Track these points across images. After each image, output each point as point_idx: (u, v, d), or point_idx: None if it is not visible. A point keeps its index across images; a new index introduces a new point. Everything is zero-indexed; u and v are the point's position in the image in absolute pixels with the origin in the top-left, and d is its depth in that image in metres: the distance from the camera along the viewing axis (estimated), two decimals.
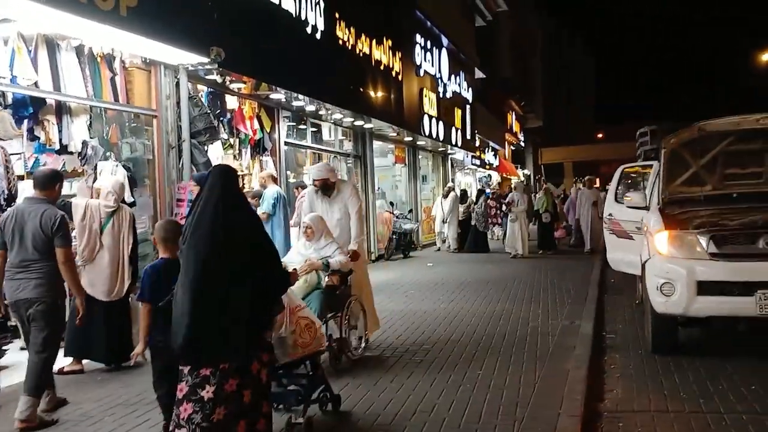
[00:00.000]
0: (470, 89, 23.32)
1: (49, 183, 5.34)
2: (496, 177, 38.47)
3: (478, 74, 25.62)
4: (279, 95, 11.27)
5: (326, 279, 6.20)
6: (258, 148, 11.39)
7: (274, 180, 10.74)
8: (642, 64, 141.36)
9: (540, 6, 53.02)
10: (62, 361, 6.27)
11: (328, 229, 6.63)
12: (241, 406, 3.65)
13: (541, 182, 41.15)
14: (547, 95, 57.79)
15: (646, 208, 7.43)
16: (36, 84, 7.26)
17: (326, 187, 7.12)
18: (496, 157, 37.59)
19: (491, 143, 34.94)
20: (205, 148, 9.36)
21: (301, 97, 11.54)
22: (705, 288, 6.05)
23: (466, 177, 34.89)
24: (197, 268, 3.68)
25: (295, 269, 5.50)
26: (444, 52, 19.79)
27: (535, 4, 49.74)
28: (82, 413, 5.28)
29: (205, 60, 8.69)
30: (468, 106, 23.26)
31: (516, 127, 45.02)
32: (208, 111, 9.35)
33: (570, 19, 68.45)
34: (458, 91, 21.64)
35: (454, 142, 21.26)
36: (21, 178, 8.36)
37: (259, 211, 9.70)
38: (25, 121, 7.41)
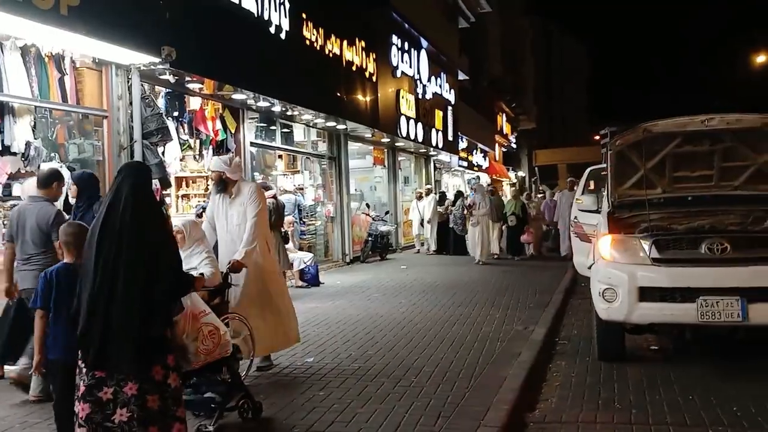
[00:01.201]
0: (452, 91, 23.18)
1: (48, 181, 5.86)
2: (485, 179, 38.38)
3: (462, 76, 25.37)
4: (242, 96, 11.13)
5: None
6: (221, 149, 11.24)
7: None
8: (638, 62, 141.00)
9: (531, 6, 53.00)
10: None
11: (204, 236, 5.86)
12: (148, 411, 3.51)
13: (537, 184, 41.06)
14: (540, 97, 57.74)
15: (597, 211, 7.29)
16: None
17: (222, 184, 6.17)
18: (485, 159, 37.45)
19: (480, 145, 34.82)
20: (158, 148, 9.20)
21: (263, 97, 11.37)
22: (647, 294, 5.90)
23: (454, 179, 34.84)
24: (94, 271, 3.55)
25: (201, 274, 4.80)
26: (423, 53, 19.65)
27: (525, 5, 49.65)
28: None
29: (157, 60, 8.57)
30: (450, 108, 23.10)
31: (507, 129, 44.92)
32: (161, 111, 9.21)
33: (563, 19, 67.96)
34: (439, 92, 21.50)
35: (434, 144, 21.11)
36: None
37: None
38: None
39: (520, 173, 51.71)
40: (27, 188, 6.83)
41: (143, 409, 3.50)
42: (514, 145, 49.19)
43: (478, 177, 36.77)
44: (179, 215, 11.07)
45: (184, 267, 4.97)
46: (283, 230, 11.01)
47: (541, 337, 7.52)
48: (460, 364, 6.39)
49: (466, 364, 6.41)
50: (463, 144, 30.08)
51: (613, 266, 6.13)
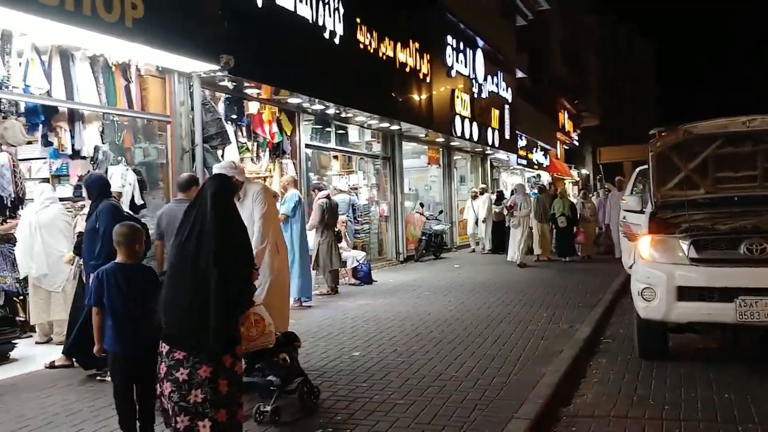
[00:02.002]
0: (509, 89, 23.16)
1: (188, 185, 6.55)
2: (546, 177, 38.08)
3: (521, 74, 25.32)
4: (297, 99, 11.52)
5: None
6: (277, 151, 11.67)
7: (295, 183, 11.03)
8: (709, 55, 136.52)
9: (595, 3, 52.18)
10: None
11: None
12: (218, 394, 3.83)
13: (602, 182, 40.55)
14: (604, 93, 56.78)
15: (642, 212, 7.36)
16: (48, 93, 7.66)
17: None
18: (546, 157, 37.16)
19: (540, 143, 34.59)
20: (218, 151, 9.65)
21: (317, 101, 11.74)
22: (685, 293, 5.98)
23: (513, 177, 34.70)
24: (180, 268, 3.91)
25: (256, 269, 4.68)
26: (479, 52, 19.75)
27: (589, 1, 48.94)
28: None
29: (216, 67, 9.02)
30: (507, 106, 23.10)
31: (569, 126, 44.42)
32: (220, 116, 9.66)
33: (629, 13, 66.31)
34: (496, 91, 21.55)
35: (490, 143, 21.17)
36: (46, 180, 8.93)
37: (280, 213, 9.99)
38: (40, 128, 7.84)
39: (584, 171, 50.92)
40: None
41: (215, 392, 3.82)
42: (576, 143, 48.60)
43: (539, 175, 36.56)
44: None
45: None
46: (336, 229, 11.36)
47: (585, 336, 7.64)
48: (501, 361, 6.58)
49: (507, 360, 6.60)
50: (522, 142, 29.99)
51: (652, 266, 6.23)
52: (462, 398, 5.41)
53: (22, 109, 7.54)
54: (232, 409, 3.91)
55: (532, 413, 4.97)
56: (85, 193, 6.36)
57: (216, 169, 6.32)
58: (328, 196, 11.30)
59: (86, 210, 6.56)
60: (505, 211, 16.22)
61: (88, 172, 8.34)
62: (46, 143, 7.92)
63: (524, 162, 31.50)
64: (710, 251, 6.00)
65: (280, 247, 6.58)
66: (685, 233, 6.14)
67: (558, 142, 41.61)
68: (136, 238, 4.49)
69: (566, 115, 42.96)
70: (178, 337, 3.84)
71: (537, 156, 34.47)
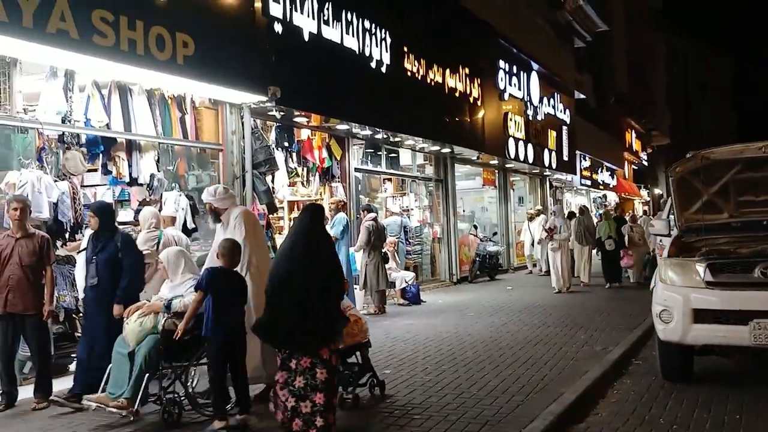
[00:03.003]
0: (567, 111, 23.16)
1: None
2: (613, 197, 37.57)
3: (579, 95, 25.30)
4: (346, 126, 11.99)
5: (162, 322, 5.56)
6: (327, 176, 12.16)
7: (344, 207, 11.51)
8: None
9: (663, 17, 51.35)
10: None
11: (190, 263, 6.05)
12: (317, 381, 4.83)
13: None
14: (675, 110, 55.61)
15: (669, 236, 7.46)
16: (108, 125, 8.33)
17: (213, 214, 6.33)
18: (613, 177, 36.68)
19: (606, 163, 34.23)
20: (266, 177, 10.19)
21: (366, 126, 12.19)
22: (701, 316, 6.10)
23: (577, 198, 34.41)
24: (288, 279, 4.94)
25: (346, 280, 5.56)
26: (534, 75, 19.90)
27: (655, 17, 48.23)
28: None
29: (264, 98, 9.56)
30: (565, 128, 23.10)
31: (636, 146, 43.80)
32: (268, 144, 10.20)
33: (700, 26, 64.60)
34: (552, 113, 21.61)
35: (547, 164, 21.22)
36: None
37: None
38: (100, 157, 8.52)
39: (657, 191, 49.87)
40: (144, 216, 7.91)
41: (314, 378, 4.82)
42: (645, 162, 47.75)
43: (605, 195, 36.16)
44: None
45: (173, 294, 5.69)
46: (383, 251, 11.74)
47: (615, 357, 7.76)
48: (524, 381, 6.78)
49: (531, 380, 6.79)
50: (585, 162, 29.82)
51: (669, 288, 6.36)
52: (476, 414, 5.66)
53: (83, 140, 8.21)
54: (328, 394, 4.87)
55: (538, 429, 5.19)
56: (93, 222, 6.32)
57: (203, 194, 6.53)
58: (375, 219, 11.71)
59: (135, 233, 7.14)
60: (544, 235, 15.77)
61: (145, 198, 9.06)
62: (106, 171, 8.58)
63: (588, 182, 31.22)
64: (725, 275, 6.10)
65: (265, 273, 5.85)
66: (702, 257, 6.25)
67: (626, 161, 41.05)
68: (236, 251, 5.57)
69: (633, 135, 42.34)
70: (283, 336, 4.93)
71: (602, 176, 34.07)
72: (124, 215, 9.32)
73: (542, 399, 6.06)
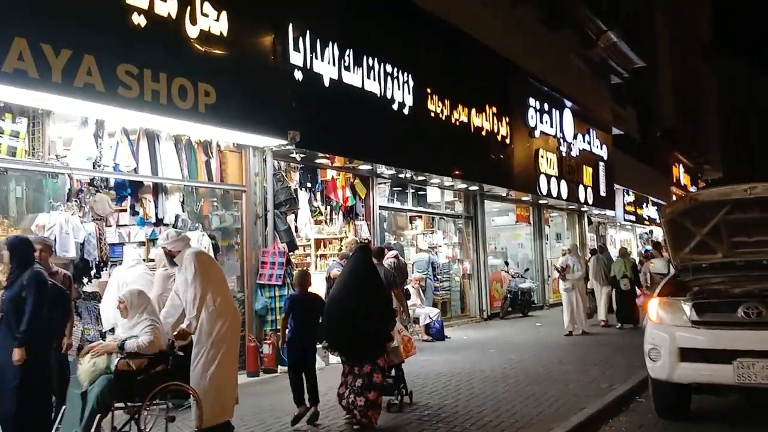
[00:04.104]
0: (604, 146, 23.18)
1: (381, 254, 9.87)
2: (660, 233, 37.02)
3: (617, 131, 25.30)
4: (368, 166, 12.40)
5: (116, 363, 5.66)
6: (351, 214, 12.56)
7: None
8: None
9: (713, 46, 50.69)
10: None
11: (150, 305, 6.15)
12: (372, 382, 6.50)
13: None
14: (728, 142, 54.61)
15: (668, 275, 7.57)
16: (135, 169, 8.90)
17: (168, 257, 6.45)
18: (659, 212, 36.17)
19: (651, 198, 33.86)
20: (287, 216, 10.64)
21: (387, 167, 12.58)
22: (687, 354, 6.21)
23: (621, 233, 34.04)
24: (345, 306, 6.61)
25: (394, 309, 7.91)
26: (567, 112, 20.06)
27: (704, 48, 47.68)
28: None
29: (284, 142, 10.03)
30: (602, 163, 23.10)
31: (685, 180, 43.16)
32: (289, 185, 10.66)
33: (755, 55, 63.21)
34: (588, 149, 21.68)
35: (582, 200, 21.23)
36: (142, 244, 10.16)
37: None
38: (128, 199, 9.09)
39: None
40: (158, 258, 8.32)
41: (370, 380, 6.48)
42: None
43: (651, 231, 35.65)
44: (317, 272, 12.54)
45: (128, 335, 5.83)
46: (405, 287, 12.02)
47: (618, 395, 7.84)
48: (519, 416, 6.94)
49: (527, 416, 6.95)
50: (628, 197, 29.62)
51: (658, 327, 6.49)
52: None
53: (111, 183, 8.80)
54: (378, 393, 6.57)
55: None
56: (6, 257, 5.99)
57: (160, 240, 6.70)
58: (396, 257, 12.00)
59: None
60: (556, 274, 14.99)
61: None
62: (133, 213, 9.15)
63: (632, 218, 30.94)
64: (710, 314, 6.22)
65: (227, 312, 6.29)
66: (690, 296, 6.37)
67: (674, 196, 40.47)
68: (305, 279, 7.39)
69: (681, 169, 41.76)
70: (349, 348, 6.67)
71: (648, 211, 33.66)
72: (154, 253, 9.86)
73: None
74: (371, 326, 6.49)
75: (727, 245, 7.05)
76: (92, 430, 5.50)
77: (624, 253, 16.07)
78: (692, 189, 45.38)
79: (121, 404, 5.69)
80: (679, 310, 6.39)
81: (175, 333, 6.10)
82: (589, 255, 17.49)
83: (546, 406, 7.40)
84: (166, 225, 9.36)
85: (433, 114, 13.51)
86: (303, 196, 11.33)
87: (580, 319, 13.74)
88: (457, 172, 14.50)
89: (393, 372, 7.48)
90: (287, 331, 7.13)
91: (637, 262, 16.18)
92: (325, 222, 12.32)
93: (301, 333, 6.99)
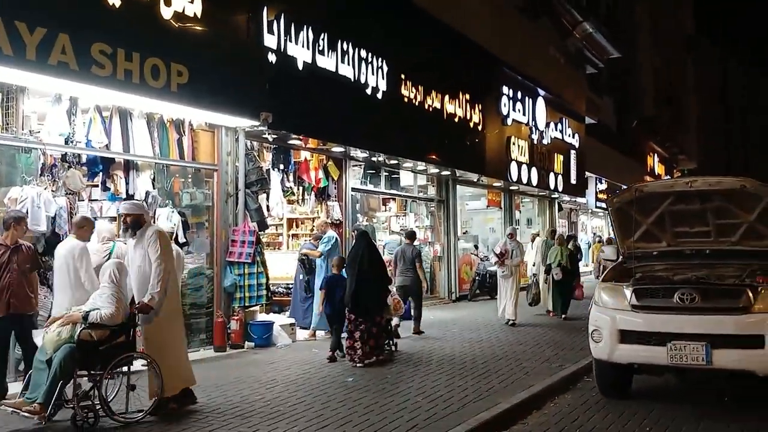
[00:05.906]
0: (576, 135, 23.56)
1: (413, 236, 12.32)
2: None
3: (590, 120, 25.71)
4: (341, 148, 12.66)
5: (78, 332, 5.94)
6: (323, 195, 12.83)
7: (331, 226, 12.14)
8: None
9: (696, 39, 51.25)
10: None
11: (114, 277, 6.39)
12: (370, 334, 9.03)
13: None
14: (706, 133, 55.29)
15: (616, 261, 7.95)
16: (107, 146, 9.09)
17: (127, 225, 6.73)
18: (607, 202, 36.70)
19: (625, 186, 34.35)
20: (258, 196, 10.89)
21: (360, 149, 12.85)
22: (626, 336, 6.60)
23: (593, 220, 34.64)
24: (357, 275, 9.06)
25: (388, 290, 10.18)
26: (540, 101, 20.38)
27: (687, 40, 48.23)
28: None
29: (256, 123, 10.25)
30: (573, 152, 23.50)
31: (659, 170, 43.76)
32: (261, 165, 10.90)
33: (737, 50, 63.76)
34: (559, 137, 22.04)
35: (552, 188, 21.64)
36: (114, 219, 10.36)
37: (318, 250, 11.25)
38: (100, 175, 9.30)
39: None
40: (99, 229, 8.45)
41: (369, 332, 9.02)
42: None
43: None
44: (290, 252, 12.82)
45: (92, 306, 6.14)
46: None
47: (567, 374, 8.24)
48: (470, 391, 7.30)
49: (477, 390, 7.32)
50: (601, 185, 30.15)
51: (600, 310, 6.87)
52: (409, 418, 6.22)
53: (83, 159, 9.01)
54: (377, 342, 9.12)
55: None
56: None
57: (122, 207, 6.94)
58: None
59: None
60: (494, 259, 13.99)
61: None
62: (104, 188, 9.36)
63: (604, 205, 31.45)
64: (649, 299, 6.60)
65: (172, 292, 6.68)
66: (628, 282, 6.75)
67: None
68: (341, 263, 9.82)
69: (656, 159, 42.37)
70: (360, 308, 9.05)
71: None
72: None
73: (477, 407, 6.59)
74: (374, 291, 9.21)
75: (670, 234, 7.43)
76: (55, 395, 5.79)
77: (562, 240, 14.51)
78: (666, 178, 46.12)
79: (84, 372, 6.01)
80: (620, 294, 6.77)
81: (137, 306, 6.34)
82: (536, 238, 16.53)
83: (497, 382, 7.77)
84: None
85: (406, 99, 13.76)
86: (275, 177, 11.58)
87: (510, 307, 12.93)
88: (431, 157, 14.81)
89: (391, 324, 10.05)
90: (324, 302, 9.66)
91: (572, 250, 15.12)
92: (298, 202, 12.58)
93: (335, 303, 9.45)
